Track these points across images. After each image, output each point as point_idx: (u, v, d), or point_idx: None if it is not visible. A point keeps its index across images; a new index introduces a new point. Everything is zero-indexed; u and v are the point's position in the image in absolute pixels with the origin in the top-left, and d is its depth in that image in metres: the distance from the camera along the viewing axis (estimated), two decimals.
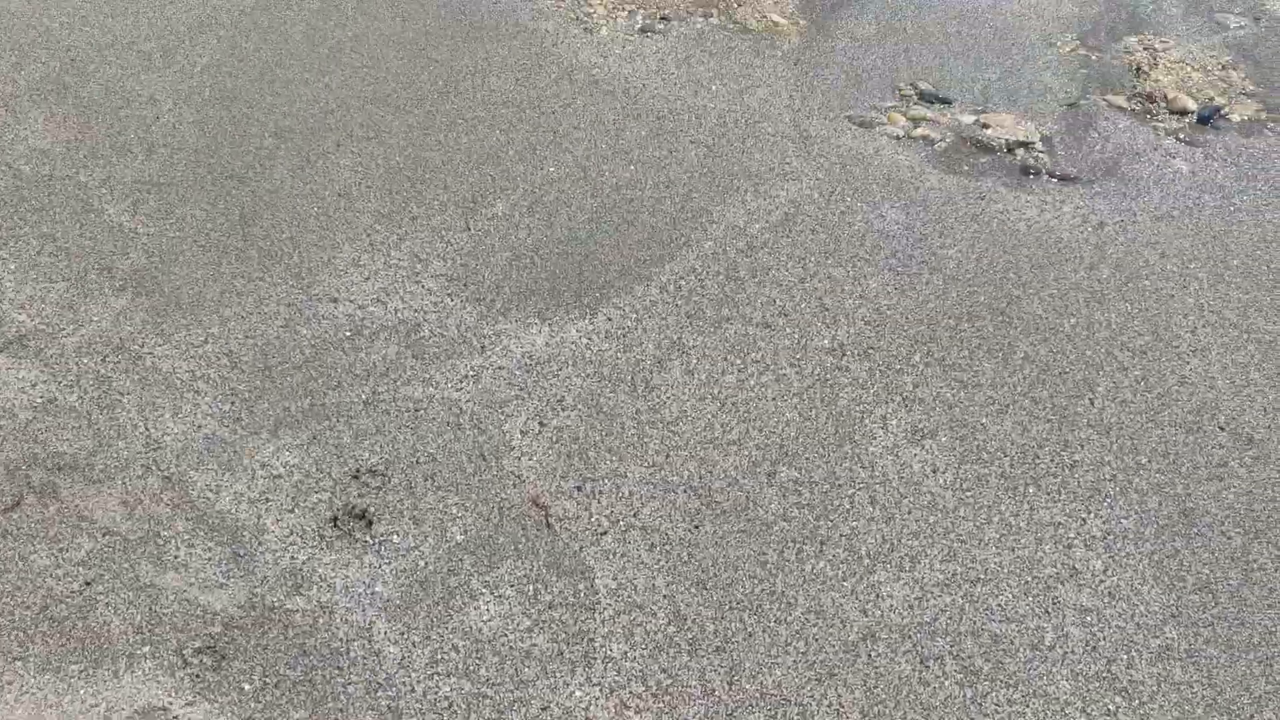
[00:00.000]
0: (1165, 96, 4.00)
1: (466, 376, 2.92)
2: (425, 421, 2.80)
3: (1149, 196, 3.60)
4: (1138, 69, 4.16)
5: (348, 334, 3.05)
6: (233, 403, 2.84)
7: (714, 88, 4.05)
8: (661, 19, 4.38)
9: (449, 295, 3.18)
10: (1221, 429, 2.83)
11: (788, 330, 3.07)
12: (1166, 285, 3.26)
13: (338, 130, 3.81)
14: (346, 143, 3.76)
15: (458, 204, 3.51)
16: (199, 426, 2.77)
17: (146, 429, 2.76)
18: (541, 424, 2.79)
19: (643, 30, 4.33)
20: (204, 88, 4.01)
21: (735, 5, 4.45)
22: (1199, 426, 2.83)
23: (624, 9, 4.45)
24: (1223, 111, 3.97)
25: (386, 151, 3.72)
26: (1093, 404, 2.88)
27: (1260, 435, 2.81)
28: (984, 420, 2.83)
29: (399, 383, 2.91)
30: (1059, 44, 4.33)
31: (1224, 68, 4.20)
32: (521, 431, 2.77)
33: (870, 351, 3.02)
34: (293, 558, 2.44)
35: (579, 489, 2.63)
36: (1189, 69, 4.17)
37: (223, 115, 3.88)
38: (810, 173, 3.65)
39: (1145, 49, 4.27)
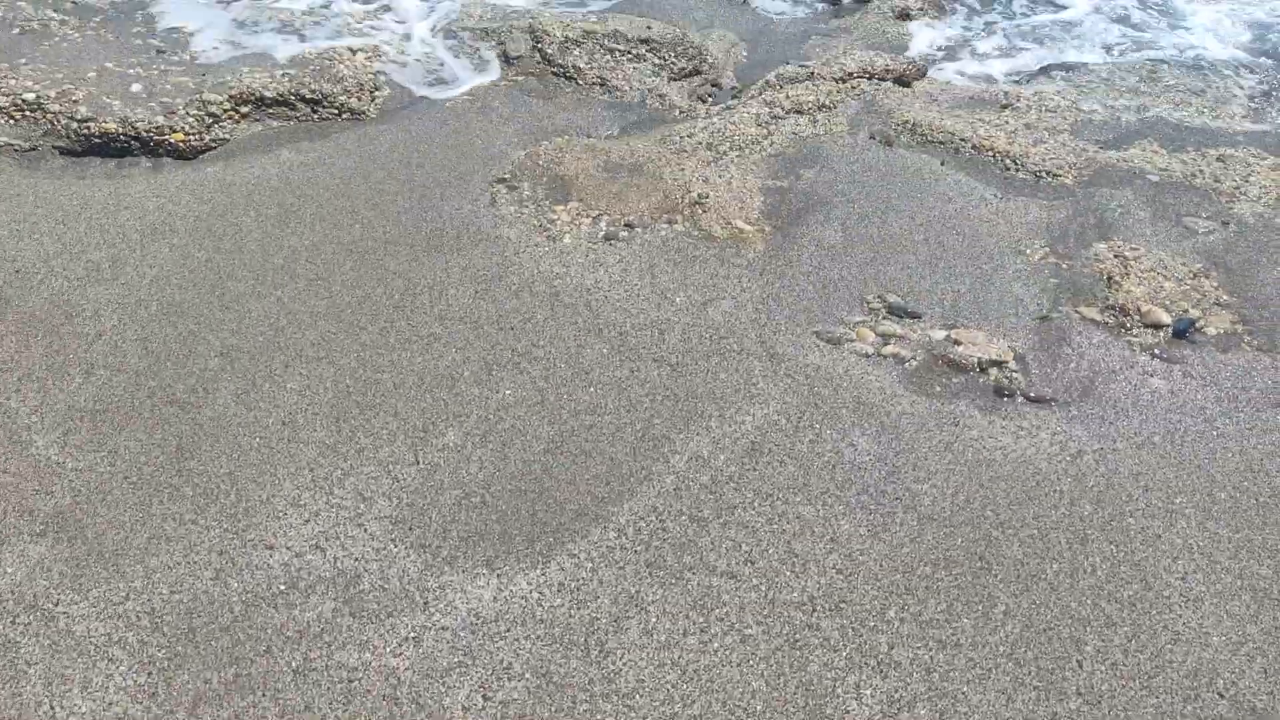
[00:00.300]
0: (1139, 309, 3.97)
1: (407, 639, 2.74)
2: (359, 695, 2.61)
3: (1128, 421, 3.53)
4: (1109, 279, 4.16)
5: (282, 587, 2.88)
6: (149, 673, 2.64)
7: (678, 300, 4.01)
8: (626, 226, 4.38)
9: (393, 541, 3.02)
10: (1221, 696, 2.66)
11: (754, 581, 2.92)
12: (1152, 524, 3.14)
13: (287, 350, 3.72)
14: (295, 363, 3.67)
15: (408, 433, 3.39)
16: (109, 705, 2.56)
17: (52, 707, 2.55)
18: (485, 698, 2.60)
19: (606, 238, 4.31)
20: (151, 301, 3.94)
21: (700, 211, 4.46)
22: (1196, 694, 2.67)
23: (588, 215, 4.45)
24: (1198, 324, 3.94)
25: (336, 373, 3.63)
26: (1081, 666, 2.72)
27: (1262, 703, 2.65)
28: (964, 688, 2.66)
29: (333, 646, 2.72)
30: (1028, 251, 4.33)
31: (1195, 276, 4.21)
32: (464, 707, 2.58)
33: (842, 606, 2.86)
34: None
35: None
36: (1161, 278, 4.17)
37: (168, 332, 3.80)
38: (778, 395, 3.57)
39: (1116, 256, 4.28)
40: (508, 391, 3.55)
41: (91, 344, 3.73)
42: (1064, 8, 6.77)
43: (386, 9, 6.42)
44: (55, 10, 6.02)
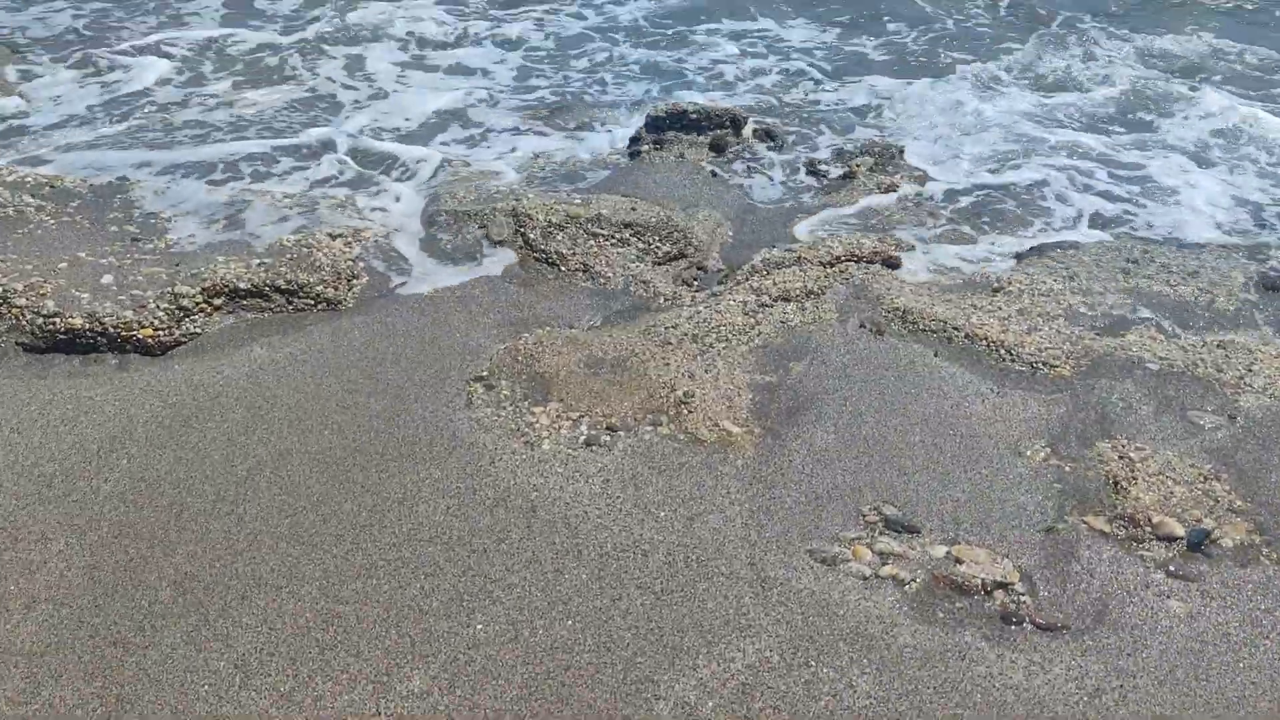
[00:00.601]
0: (1149, 520, 3.82)
1: None
2: None
3: (1147, 652, 3.32)
4: (1115, 483, 4.01)
5: None
6: None
7: (662, 514, 3.84)
8: (608, 429, 4.25)
9: None
10: None
11: None
12: None
13: (245, 577, 3.53)
14: (253, 594, 3.47)
15: (369, 677, 3.17)
16: None
17: None
18: None
19: (587, 443, 4.18)
20: (103, 521, 3.77)
21: (685, 411, 4.34)
22: None
23: (568, 417, 4.32)
24: (1212, 536, 3.78)
25: (296, 605, 3.42)
26: None
27: None
28: None
29: None
30: (1029, 453, 4.20)
31: (1206, 479, 4.06)
32: None
33: None
34: None
35: None
36: (1169, 482, 4.02)
37: (119, 558, 3.61)
38: (769, 627, 3.37)
39: (1121, 457, 4.14)
40: (479, 627, 3.35)
41: (35, 573, 3.54)
42: (1040, 181, 6.84)
43: (370, 191, 6.46)
44: (33, 196, 6.03)
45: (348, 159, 6.92)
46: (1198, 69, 9.08)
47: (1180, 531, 3.79)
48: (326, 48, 9.11)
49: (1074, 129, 7.79)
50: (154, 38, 9.21)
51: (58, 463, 4.05)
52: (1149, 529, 3.81)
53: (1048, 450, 4.24)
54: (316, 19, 9.79)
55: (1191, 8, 11.03)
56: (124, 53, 8.86)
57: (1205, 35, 9.97)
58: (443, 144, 7.34)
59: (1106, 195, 6.75)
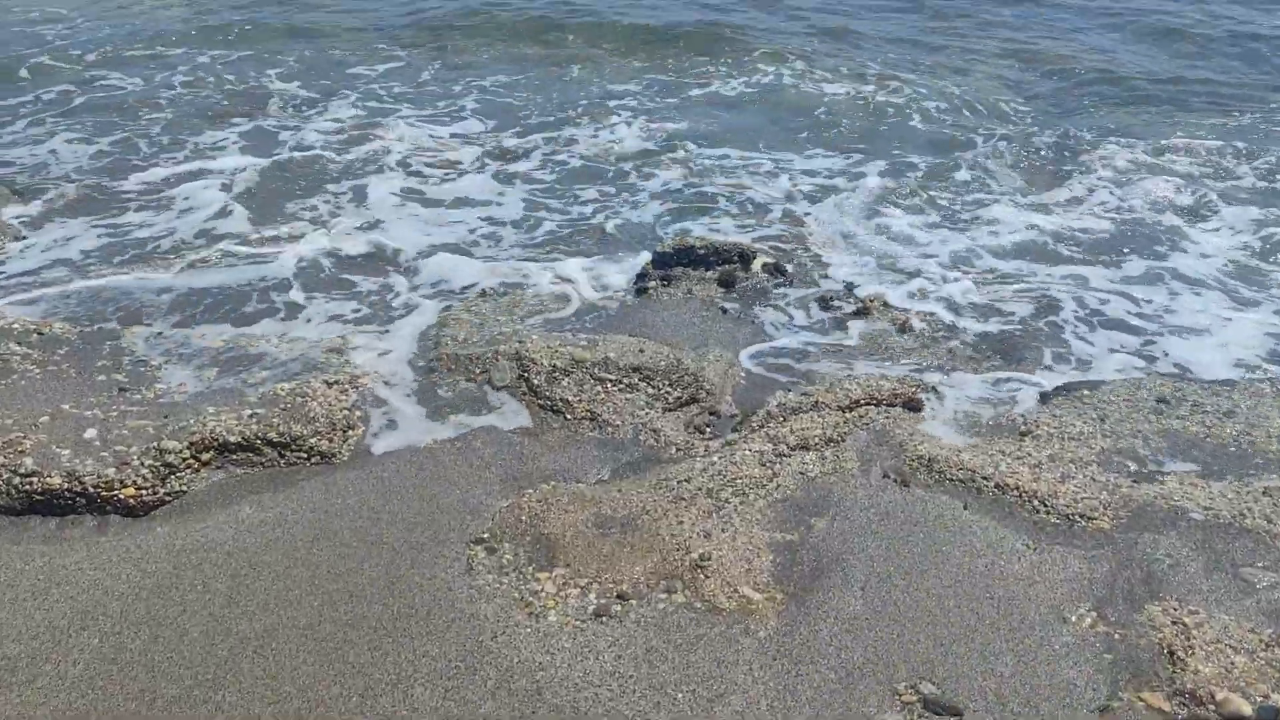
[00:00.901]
0: (1212, 696, 3.53)
1: None
2: None
3: None
4: (1171, 653, 3.73)
5: None
6: None
7: (679, 696, 3.56)
8: (619, 597, 3.99)
9: None
10: None
11: None
12: None
13: None
14: None
15: None
16: None
17: None
18: None
19: (596, 613, 3.92)
20: (68, 712, 3.49)
21: (701, 576, 4.09)
22: None
23: (576, 584, 4.07)
24: None
25: None
26: None
27: None
28: None
29: None
30: (1073, 618, 3.93)
31: (1268, 646, 3.78)
32: None
33: None
34: None
35: None
36: (1229, 650, 3.75)
37: None
38: None
39: (1174, 623, 3.87)
40: None
41: None
42: (1053, 309, 6.71)
43: (368, 333, 6.33)
44: (19, 343, 5.90)
45: (346, 297, 6.81)
46: (1205, 185, 9.06)
47: (1248, 710, 3.50)
48: (330, 181, 9.13)
49: (1081, 257, 7.71)
50: (160, 174, 9.24)
51: (24, 643, 3.80)
52: (1212, 707, 3.52)
53: (1094, 615, 3.97)
54: (323, 150, 9.84)
55: (1184, 123, 11.16)
56: (131, 192, 8.87)
57: (1211, 142, 10.05)
58: (445, 280, 7.23)
59: (1123, 326, 6.61)
